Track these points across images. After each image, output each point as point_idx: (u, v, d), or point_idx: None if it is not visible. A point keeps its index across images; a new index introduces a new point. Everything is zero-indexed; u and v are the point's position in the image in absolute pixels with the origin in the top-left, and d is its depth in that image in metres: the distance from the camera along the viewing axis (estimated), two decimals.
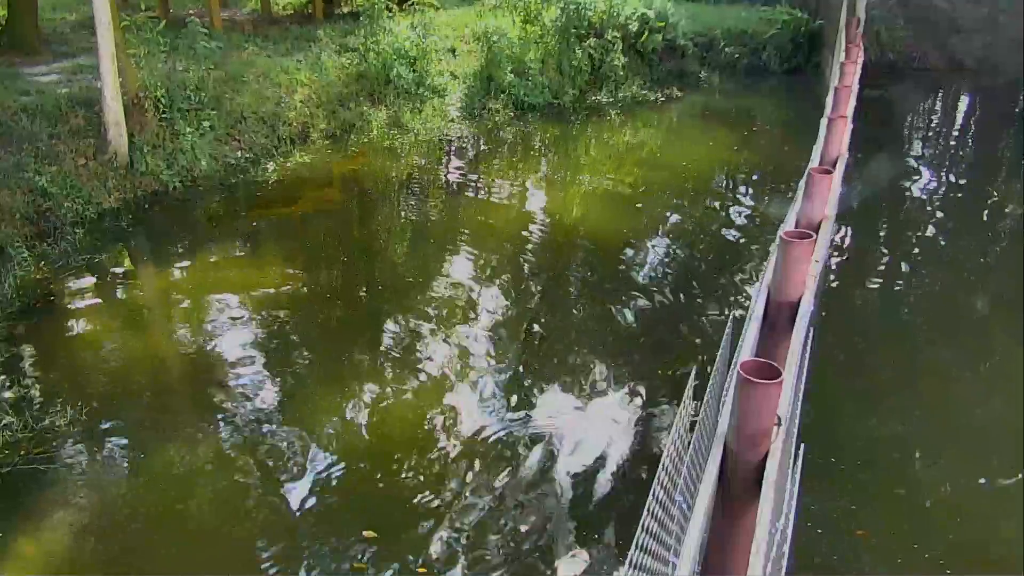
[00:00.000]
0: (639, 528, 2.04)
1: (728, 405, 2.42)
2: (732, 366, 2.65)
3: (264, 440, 5.74)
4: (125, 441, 5.73)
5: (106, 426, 5.84)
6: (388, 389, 6.29)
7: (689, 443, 2.58)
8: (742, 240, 9.35)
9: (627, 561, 2.01)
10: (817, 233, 3.58)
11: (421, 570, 4.65)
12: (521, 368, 6.58)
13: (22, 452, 5.48)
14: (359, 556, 4.76)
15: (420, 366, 6.57)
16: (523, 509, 5.14)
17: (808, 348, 3.30)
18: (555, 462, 5.54)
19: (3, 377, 6.25)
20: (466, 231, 9.36)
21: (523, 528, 4.98)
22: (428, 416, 5.98)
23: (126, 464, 5.52)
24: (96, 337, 6.95)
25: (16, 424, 5.67)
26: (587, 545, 4.86)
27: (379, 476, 5.42)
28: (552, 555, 4.78)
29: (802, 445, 2.85)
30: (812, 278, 3.23)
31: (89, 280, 7.91)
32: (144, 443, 5.68)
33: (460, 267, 8.43)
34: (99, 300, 7.62)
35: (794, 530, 2.69)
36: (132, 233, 9.08)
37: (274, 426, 5.88)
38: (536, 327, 7.23)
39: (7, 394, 6.05)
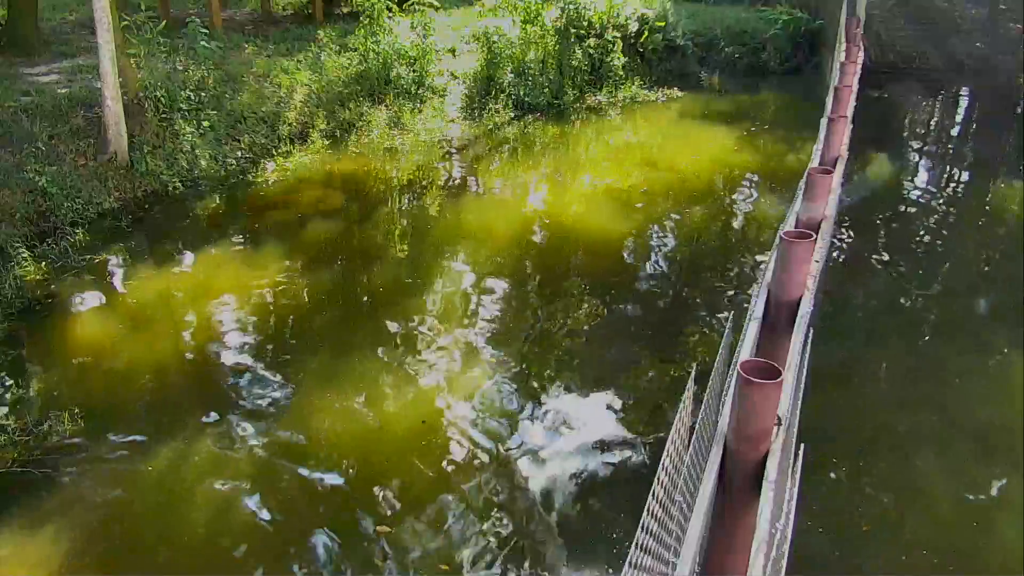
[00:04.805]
0: (639, 528, 2.04)
1: (728, 405, 2.41)
2: (732, 366, 2.65)
3: (265, 441, 5.74)
4: (124, 444, 5.72)
5: (105, 428, 5.83)
6: (390, 388, 6.29)
7: (689, 443, 2.58)
8: (742, 240, 9.34)
9: (627, 561, 2.00)
10: (817, 233, 3.58)
11: (444, 567, 4.66)
12: (522, 367, 6.58)
13: (18, 455, 5.47)
14: (375, 552, 4.78)
15: (421, 366, 6.56)
16: (524, 506, 5.15)
17: (808, 348, 3.29)
18: (556, 461, 5.54)
19: (2, 378, 6.24)
20: (466, 231, 9.35)
21: (526, 525, 4.98)
22: (430, 415, 5.97)
23: (125, 467, 5.50)
24: (96, 338, 6.94)
25: (13, 427, 5.67)
26: (589, 543, 4.87)
27: (385, 474, 5.43)
28: (555, 553, 4.78)
29: (802, 445, 2.84)
30: (812, 278, 3.22)
31: (89, 281, 7.90)
32: (144, 446, 5.67)
33: (460, 267, 8.43)
34: (99, 301, 7.61)
35: (794, 530, 2.69)
36: (132, 233, 9.07)
37: (276, 427, 5.88)
38: (536, 327, 7.23)
39: (6, 396, 6.04)
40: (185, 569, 4.76)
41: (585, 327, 7.21)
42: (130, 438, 5.78)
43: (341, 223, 9.69)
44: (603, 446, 5.70)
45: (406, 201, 10.59)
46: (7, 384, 6.17)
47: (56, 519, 5.00)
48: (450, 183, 11.26)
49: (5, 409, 5.87)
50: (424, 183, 11.18)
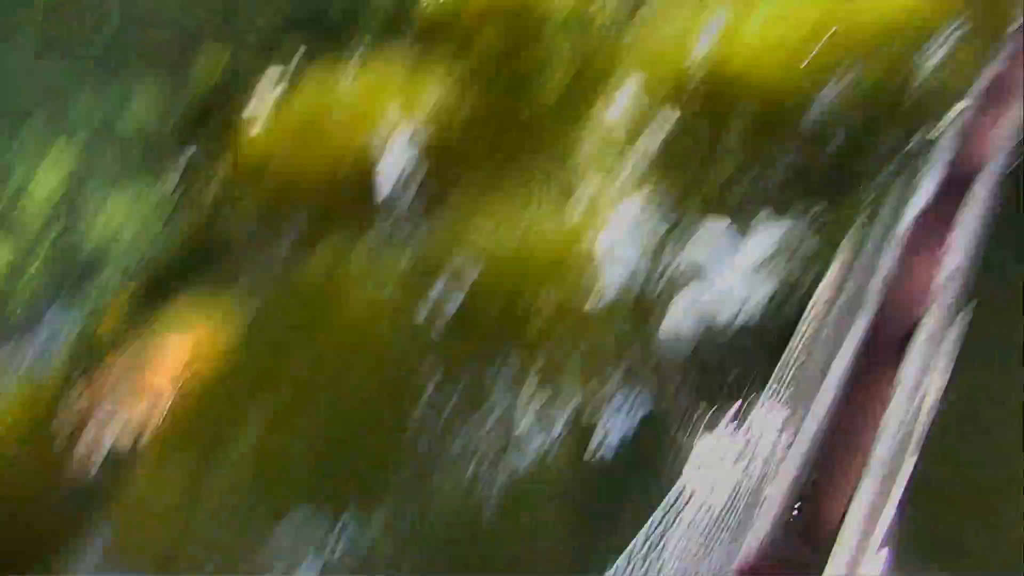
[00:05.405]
0: (773, 381, 2.05)
1: (887, 263, 2.35)
2: (898, 224, 2.58)
3: (418, 248, 6.00)
4: (290, 237, 6.11)
5: (275, 222, 6.23)
6: (541, 210, 6.34)
7: (838, 299, 2.55)
8: (927, 92, 8.49)
9: (762, 397, 2.04)
10: (1007, 101, 3.33)
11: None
12: (678, 202, 6.46)
13: (203, 235, 6.03)
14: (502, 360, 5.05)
15: (577, 191, 6.53)
16: (658, 344, 5.28)
17: (987, 214, 3.13)
18: (696, 302, 5.57)
19: (191, 174, 6.63)
20: (638, 59, 8.83)
21: (656, 364, 5.14)
22: (576, 241, 6.02)
23: (290, 257, 5.96)
24: (271, 137, 7.16)
25: (200, 207, 6.20)
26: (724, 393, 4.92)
27: (527, 292, 5.60)
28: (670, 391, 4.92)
29: (961, 314, 2.76)
30: (1001, 143, 3.05)
31: (268, 78, 8.05)
32: (307, 239, 6.05)
33: (627, 98, 8.04)
34: (276, 100, 7.78)
35: (937, 408, 2.61)
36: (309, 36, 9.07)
37: (429, 235, 6.10)
38: (699, 162, 6.99)
39: (195, 182, 6.49)
40: (334, 354, 5.21)
41: (749, 167, 6.88)
42: (298, 227, 6.16)
43: (512, 40, 9.35)
44: (748, 289, 5.61)
45: (577, 23, 10.04)
46: (201, 170, 6.57)
47: (233, 292, 5.55)
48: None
49: (196, 193, 6.36)
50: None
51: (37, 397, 4.81)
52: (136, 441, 4.58)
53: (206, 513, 4.36)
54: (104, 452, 4.35)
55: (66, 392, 4.50)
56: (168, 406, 4.71)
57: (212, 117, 7.11)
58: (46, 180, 5.84)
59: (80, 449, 4.36)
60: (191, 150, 6.83)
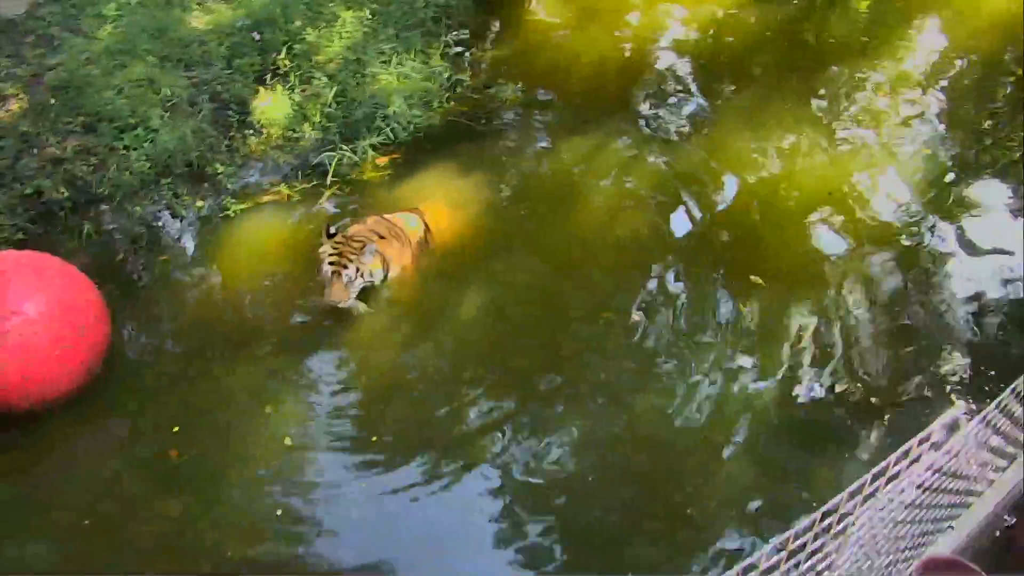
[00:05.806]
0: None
1: None
2: None
3: (671, 161, 5.84)
4: (549, 121, 6.19)
5: (538, 104, 6.31)
6: (809, 145, 5.97)
7: None
8: None
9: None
10: None
11: None
12: (960, 159, 5.89)
13: (467, 109, 6.18)
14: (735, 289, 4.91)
15: (851, 131, 6.10)
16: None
17: None
18: (962, 271, 5.09)
19: (469, 41, 6.77)
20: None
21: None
22: (840, 188, 5.63)
23: (546, 144, 6.01)
24: (548, 23, 7.15)
25: (468, 84, 6.38)
26: None
27: (772, 222, 5.39)
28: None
29: None
30: None
31: None
32: (566, 128, 6.07)
33: (930, 35, 7.24)
34: None
35: None
36: None
37: (684, 151, 5.93)
38: (987, 120, 6.26)
39: (467, 56, 6.66)
40: (565, 251, 5.25)
41: None
42: (556, 118, 6.21)
43: None
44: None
45: None
46: (471, 48, 6.73)
47: (484, 169, 5.70)
48: None
49: (468, 67, 6.54)
50: None
51: (295, 234, 5.26)
52: (371, 290, 4.91)
53: (411, 376, 4.64)
54: (343, 297, 4.70)
55: (320, 236, 4.89)
56: (403, 268, 5.01)
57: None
58: (332, 46, 6.19)
59: (324, 291, 4.74)
60: (471, 27, 6.92)
